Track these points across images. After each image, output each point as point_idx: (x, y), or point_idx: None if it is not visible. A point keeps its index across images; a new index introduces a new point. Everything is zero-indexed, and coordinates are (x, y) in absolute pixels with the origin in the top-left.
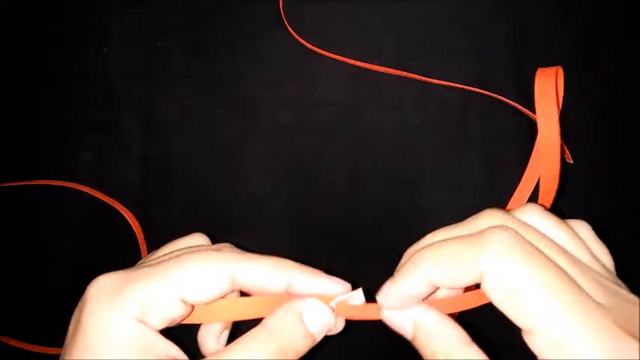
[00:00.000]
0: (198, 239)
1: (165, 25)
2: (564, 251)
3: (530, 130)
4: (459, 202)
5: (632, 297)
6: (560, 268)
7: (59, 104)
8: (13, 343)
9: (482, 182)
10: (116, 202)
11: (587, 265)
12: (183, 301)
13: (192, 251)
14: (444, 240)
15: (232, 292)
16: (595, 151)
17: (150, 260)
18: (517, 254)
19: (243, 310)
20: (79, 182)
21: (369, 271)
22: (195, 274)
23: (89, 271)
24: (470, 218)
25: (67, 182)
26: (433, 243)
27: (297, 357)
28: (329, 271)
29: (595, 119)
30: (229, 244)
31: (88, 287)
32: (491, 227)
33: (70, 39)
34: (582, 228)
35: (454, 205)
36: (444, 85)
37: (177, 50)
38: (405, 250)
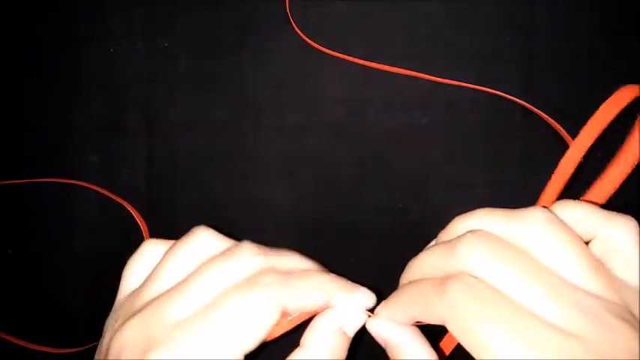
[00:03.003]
0: (206, 239)
1: (171, 26)
2: (531, 283)
3: (537, 129)
4: (467, 201)
5: (623, 325)
6: (517, 309)
7: (64, 105)
8: (16, 341)
9: (491, 182)
10: (123, 200)
11: (574, 287)
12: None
13: (235, 292)
14: (418, 282)
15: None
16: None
17: (158, 280)
18: (472, 309)
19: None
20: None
21: (377, 271)
22: (248, 323)
23: (96, 269)
24: (452, 237)
25: (75, 180)
26: (410, 283)
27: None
28: (334, 271)
29: None
30: (257, 251)
31: (111, 341)
32: (453, 277)
33: (76, 39)
34: (617, 231)
35: (463, 204)
36: (452, 85)
37: (183, 51)
38: (410, 251)
